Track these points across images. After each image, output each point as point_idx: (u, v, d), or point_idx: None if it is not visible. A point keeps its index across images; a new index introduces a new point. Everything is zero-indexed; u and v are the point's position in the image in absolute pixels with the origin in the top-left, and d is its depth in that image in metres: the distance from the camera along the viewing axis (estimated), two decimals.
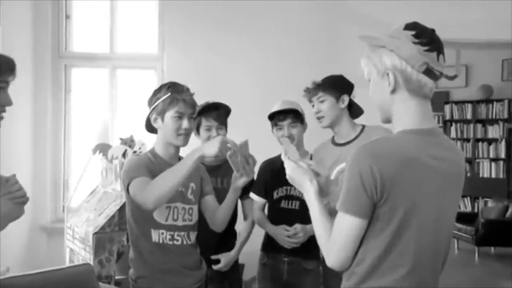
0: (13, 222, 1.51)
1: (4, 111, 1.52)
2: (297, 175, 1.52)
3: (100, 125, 3.88)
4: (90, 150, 3.30)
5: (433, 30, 1.35)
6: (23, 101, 3.53)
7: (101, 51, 3.96)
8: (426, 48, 1.30)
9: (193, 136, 2.12)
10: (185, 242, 2.02)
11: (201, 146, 1.86)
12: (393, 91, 1.34)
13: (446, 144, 1.39)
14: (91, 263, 2.69)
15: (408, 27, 1.33)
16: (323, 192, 1.55)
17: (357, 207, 1.27)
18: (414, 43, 1.30)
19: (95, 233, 2.76)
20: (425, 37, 1.31)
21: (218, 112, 2.47)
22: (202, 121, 2.47)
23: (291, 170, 1.54)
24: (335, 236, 1.31)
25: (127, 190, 1.92)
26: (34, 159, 3.76)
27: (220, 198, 2.14)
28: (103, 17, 3.94)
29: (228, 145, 1.85)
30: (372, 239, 1.30)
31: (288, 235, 2.40)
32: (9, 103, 1.52)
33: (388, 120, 1.41)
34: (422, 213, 1.29)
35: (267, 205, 2.60)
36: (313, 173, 1.55)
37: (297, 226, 2.39)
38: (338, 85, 2.29)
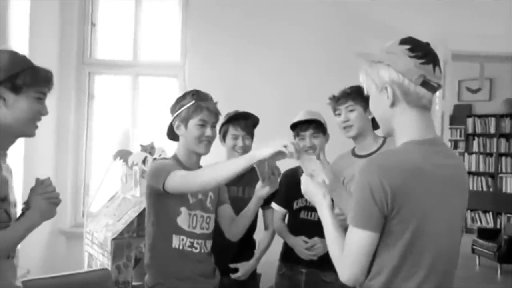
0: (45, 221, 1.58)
1: (40, 119, 1.60)
2: (311, 189, 1.55)
3: (121, 131, 3.92)
4: (111, 156, 3.33)
5: (427, 44, 1.38)
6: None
7: (125, 59, 4.01)
8: (422, 61, 1.33)
9: (215, 144, 2.11)
10: (202, 250, 2.03)
11: (254, 151, 1.74)
12: (393, 104, 1.37)
13: (447, 152, 1.43)
14: (109, 268, 2.71)
15: (403, 41, 1.37)
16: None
17: (368, 221, 1.27)
18: (410, 56, 1.33)
19: (114, 238, 2.77)
20: (420, 50, 1.34)
21: (246, 122, 2.47)
22: (229, 129, 2.47)
23: (305, 184, 1.57)
24: (347, 251, 1.31)
25: (163, 188, 1.87)
26: (56, 164, 3.81)
27: (240, 208, 2.13)
28: (127, 25, 4.00)
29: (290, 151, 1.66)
30: (385, 252, 1.30)
31: (307, 247, 2.38)
32: (46, 112, 1.60)
33: (389, 134, 1.44)
34: (434, 222, 1.30)
35: (287, 215, 2.59)
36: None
37: (316, 239, 2.37)
38: (366, 96, 2.26)
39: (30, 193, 1.57)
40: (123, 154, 3.26)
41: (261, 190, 1.97)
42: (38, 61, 1.60)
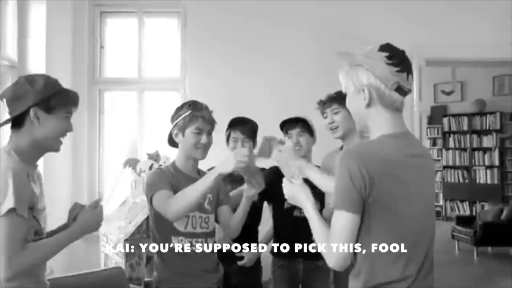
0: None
1: (65, 135, 1.65)
2: (294, 192, 1.53)
3: (129, 142, 3.92)
4: (121, 164, 3.33)
5: (403, 51, 1.40)
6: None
7: (131, 76, 4.01)
8: (397, 69, 1.35)
9: (212, 149, 2.08)
10: (203, 249, 2.00)
11: (217, 166, 1.80)
12: (368, 105, 1.39)
13: (416, 144, 1.47)
14: (123, 266, 2.70)
15: (382, 48, 1.38)
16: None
17: (349, 203, 1.27)
18: (387, 64, 1.35)
19: (126, 239, 2.77)
20: (397, 58, 1.36)
21: (244, 126, 2.48)
22: (231, 133, 2.49)
23: (287, 189, 1.56)
24: (332, 235, 1.30)
25: (150, 202, 1.93)
26: (73, 173, 3.80)
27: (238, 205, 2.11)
28: (132, 45, 4.01)
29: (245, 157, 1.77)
30: (366, 236, 1.30)
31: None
32: (71, 129, 1.66)
33: (364, 130, 1.46)
34: (409, 205, 1.32)
35: (275, 214, 2.56)
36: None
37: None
38: None
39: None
40: (132, 162, 3.26)
41: (249, 191, 1.97)
42: None
